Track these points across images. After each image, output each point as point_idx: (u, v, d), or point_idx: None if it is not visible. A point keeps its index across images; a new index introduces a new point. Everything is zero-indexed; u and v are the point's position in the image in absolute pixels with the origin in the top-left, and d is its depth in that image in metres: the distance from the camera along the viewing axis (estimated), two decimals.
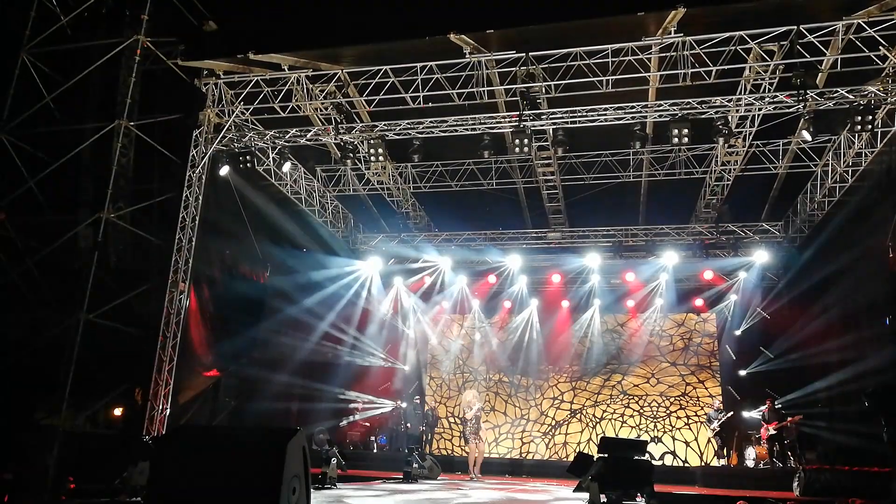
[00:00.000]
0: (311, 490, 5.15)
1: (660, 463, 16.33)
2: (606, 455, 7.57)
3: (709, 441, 16.10)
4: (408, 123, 12.07)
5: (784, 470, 12.99)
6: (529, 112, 11.13)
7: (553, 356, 18.64)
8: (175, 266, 11.72)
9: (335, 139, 12.45)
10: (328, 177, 15.94)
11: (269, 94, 11.79)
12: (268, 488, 4.48)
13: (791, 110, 10.88)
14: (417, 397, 18.00)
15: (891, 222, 11.53)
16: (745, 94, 10.99)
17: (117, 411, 12.09)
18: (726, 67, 10.28)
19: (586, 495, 7.27)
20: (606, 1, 10.28)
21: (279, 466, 4.53)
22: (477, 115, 11.79)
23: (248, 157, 12.38)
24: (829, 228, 14.02)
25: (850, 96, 10.44)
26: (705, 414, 16.10)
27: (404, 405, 17.66)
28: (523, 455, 17.87)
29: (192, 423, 12.48)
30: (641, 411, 17.74)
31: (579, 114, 11.43)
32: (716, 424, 14.98)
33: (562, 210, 16.08)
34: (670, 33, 10.05)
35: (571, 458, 8.01)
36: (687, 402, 17.54)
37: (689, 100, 10.96)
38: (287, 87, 11.65)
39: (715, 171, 13.83)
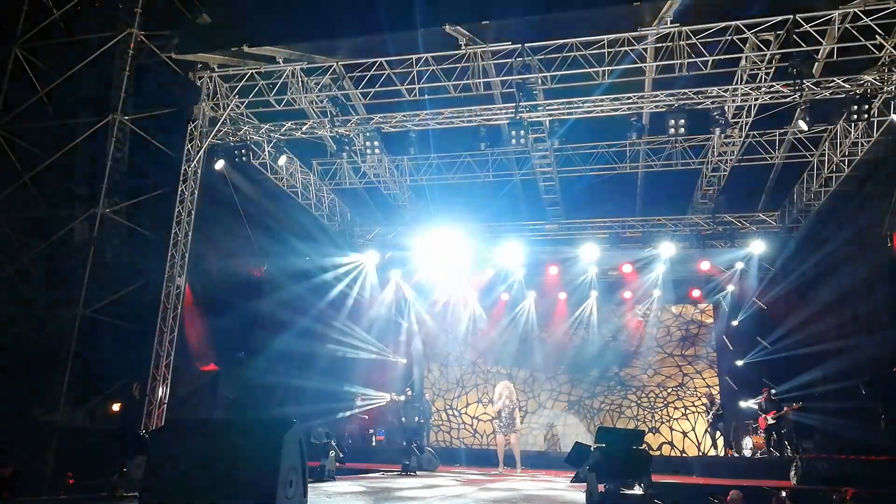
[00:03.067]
0: (309, 482, 5.15)
1: (657, 453, 16.38)
2: (604, 445, 7.57)
3: (706, 432, 16.14)
4: (403, 116, 12.03)
5: (781, 459, 13.03)
6: (526, 103, 11.10)
7: (550, 347, 18.66)
8: (171, 261, 11.68)
9: (331, 132, 12.41)
10: (324, 170, 15.90)
11: (264, 87, 11.73)
12: (264, 480, 4.48)
13: (787, 100, 10.87)
14: (410, 390, 18.01)
15: (887, 211, 11.55)
16: (741, 84, 10.97)
17: (115, 406, 12.08)
18: (722, 57, 10.26)
19: (584, 485, 7.28)
20: None
21: (275, 459, 4.53)
22: (473, 107, 11.76)
23: (243, 151, 12.34)
24: (826, 218, 14.03)
25: (847, 85, 10.43)
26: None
27: (402, 398, 17.66)
28: (522, 446, 17.86)
29: (188, 417, 12.48)
30: (639, 402, 17.78)
31: (576, 105, 11.41)
32: (708, 417, 15.00)
33: (559, 202, 16.07)
34: (666, 23, 10.01)
35: (569, 449, 8.05)
36: (684, 392, 17.58)
37: (686, 90, 10.95)
38: (282, 80, 11.59)
39: (711, 161, 13.82)
